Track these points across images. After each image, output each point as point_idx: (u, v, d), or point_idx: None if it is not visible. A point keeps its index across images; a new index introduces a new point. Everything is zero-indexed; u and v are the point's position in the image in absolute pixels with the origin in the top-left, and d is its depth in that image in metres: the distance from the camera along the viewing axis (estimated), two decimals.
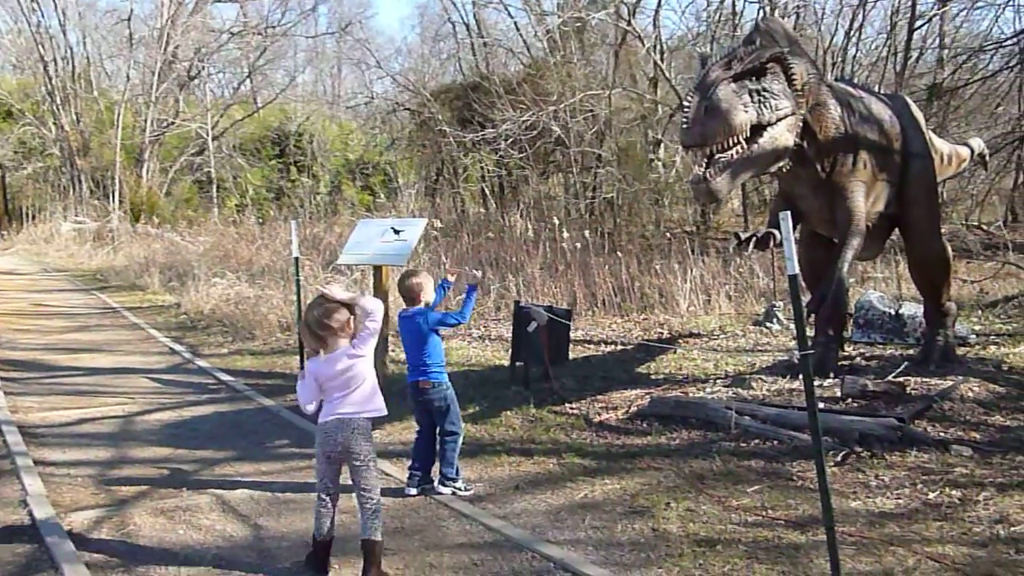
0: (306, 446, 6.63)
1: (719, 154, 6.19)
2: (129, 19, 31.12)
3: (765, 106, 6.27)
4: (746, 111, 6.16)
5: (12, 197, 30.61)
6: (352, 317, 4.25)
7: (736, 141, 6.17)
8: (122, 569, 4.45)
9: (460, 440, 5.50)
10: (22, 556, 4.63)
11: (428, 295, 5.57)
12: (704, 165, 6.24)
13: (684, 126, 6.17)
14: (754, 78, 6.29)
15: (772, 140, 6.35)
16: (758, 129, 6.27)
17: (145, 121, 29.93)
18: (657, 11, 19.66)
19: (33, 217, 28.33)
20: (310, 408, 4.37)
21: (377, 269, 8.28)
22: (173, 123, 31.16)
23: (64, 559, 4.46)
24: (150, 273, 17.25)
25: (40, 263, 21.76)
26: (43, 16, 30.30)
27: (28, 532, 4.93)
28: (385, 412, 4.49)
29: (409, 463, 5.61)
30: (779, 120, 6.37)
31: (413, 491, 5.45)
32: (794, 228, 6.53)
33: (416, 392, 5.52)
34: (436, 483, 5.48)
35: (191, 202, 31.38)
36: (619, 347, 9.87)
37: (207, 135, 31.02)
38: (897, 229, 8.01)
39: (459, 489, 5.41)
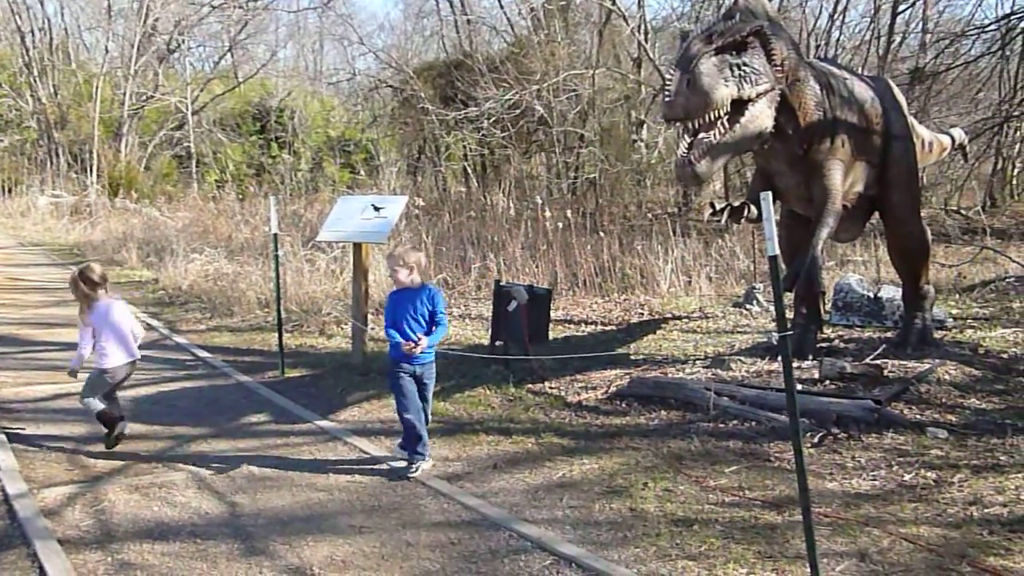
0: (283, 423, 6.60)
1: (701, 131, 6.15)
2: None
3: (746, 80, 6.23)
4: (727, 85, 6.12)
5: None
6: None
7: (717, 116, 6.13)
8: (96, 545, 4.42)
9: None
10: None
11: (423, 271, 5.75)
12: (688, 144, 6.21)
13: (666, 99, 6.13)
14: (735, 52, 6.24)
15: (753, 117, 6.32)
16: (739, 104, 6.24)
17: (124, 94, 29.55)
18: None
19: (9, 191, 27.92)
20: None
21: (357, 246, 8.22)
22: (152, 97, 30.78)
23: (36, 535, 4.43)
24: (128, 248, 17.08)
25: (16, 237, 21.50)
26: None
27: (0, 508, 4.89)
28: None
29: (405, 441, 5.59)
30: (759, 95, 6.34)
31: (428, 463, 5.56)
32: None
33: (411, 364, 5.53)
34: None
35: (170, 177, 31.03)
36: (599, 327, 9.87)
37: (187, 109, 30.66)
38: (877, 212, 8.03)
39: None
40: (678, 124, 6.32)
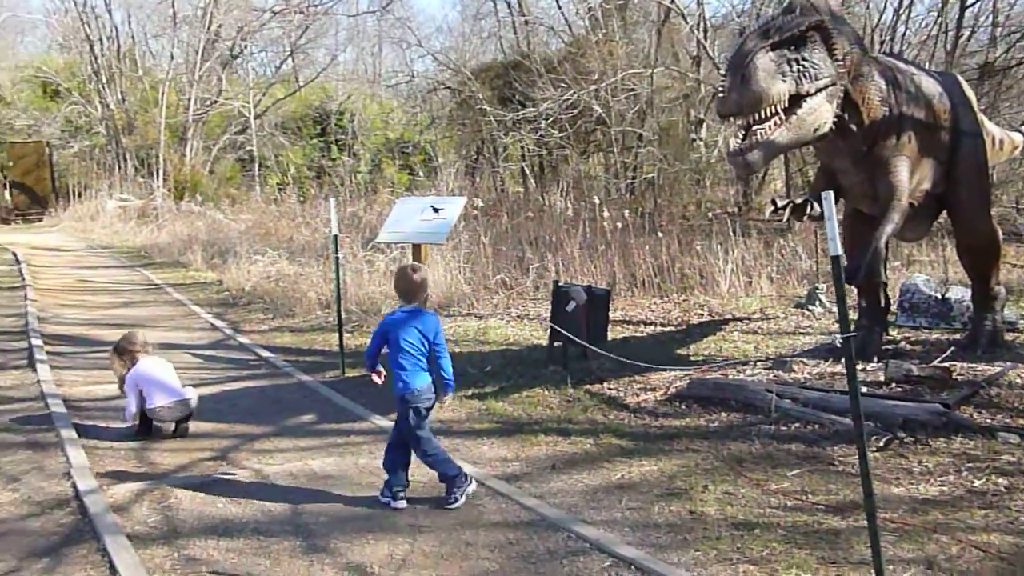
0: (343, 422, 6.68)
1: (756, 125, 6.07)
2: None
3: (804, 76, 6.13)
4: (784, 80, 6.03)
5: (59, 175, 31.03)
6: None
7: (774, 111, 6.05)
8: (162, 541, 4.52)
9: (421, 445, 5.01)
10: (66, 527, 4.72)
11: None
12: (742, 136, 6.14)
13: (720, 95, 6.07)
14: (793, 47, 6.14)
15: (811, 111, 6.22)
16: (796, 99, 6.14)
17: (188, 100, 30.17)
18: None
19: (79, 195, 28.69)
20: None
21: (416, 247, 8.28)
22: (216, 102, 31.38)
23: (106, 530, 4.54)
24: (193, 250, 17.43)
25: (86, 240, 22.10)
26: None
27: (71, 503, 5.03)
28: None
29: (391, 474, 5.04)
30: (818, 91, 6.23)
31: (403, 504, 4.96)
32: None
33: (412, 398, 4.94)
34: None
35: (233, 180, 31.61)
36: (658, 328, 9.80)
37: (249, 114, 31.19)
38: (945, 210, 7.83)
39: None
40: (733, 119, 6.26)
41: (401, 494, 4.97)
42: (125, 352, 6.50)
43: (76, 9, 30.48)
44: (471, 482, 5.05)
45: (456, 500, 4.93)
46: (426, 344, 4.93)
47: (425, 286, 5.09)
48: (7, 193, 29.91)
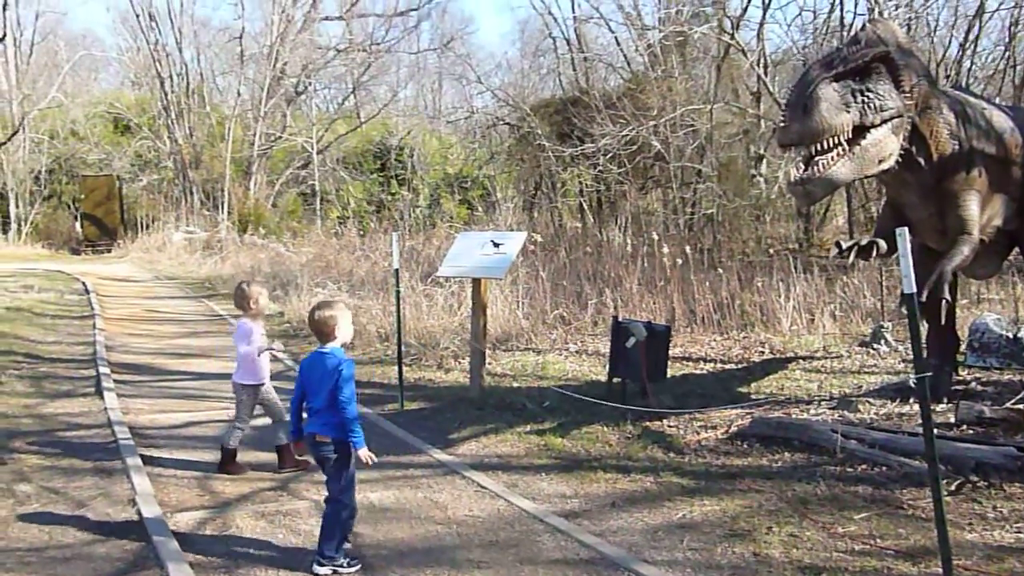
0: (402, 455, 6.68)
1: (818, 155, 5.99)
2: (241, 37, 32.23)
3: (869, 107, 6.04)
4: (848, 111, 5.95)
5: (128, 207, 31.96)
6: None
7: (837, 142, 5.96)
8: (224, 570, 4.55)
9: (347, 515, 4.61)
10: (130, 553, 4.78)
11: (344, 333, 4.72)
12: (803, 167, 6.07)
13: (782, 125, 6.01)
14: (857, 78, 6.07)
15: (875, 142, 6.12)
16: (860, 130, 6.05)
17: (254, 135, 30.91)
18: (761, 24, 19.27)
19: (147, 227, 29.50)
20: None
21: (476, 281, 8.31)
22: (280, 137, 32.12)
23: (169, 558, 4.58)
24: (256, 282, 17.72)
25: (153, 271, 22.64)
26: (160, 35, 31.68)
27: (136, 530, 5.09)
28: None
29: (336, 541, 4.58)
30: (883, 122, 6.13)
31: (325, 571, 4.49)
32: None
33: (312, 444, 4.66)
34: (311, 561, 4.54)
35: (295, 214, 32.23)
36: (718, 365, 9.67)
37: (312, 149, 31.84)
38: (1017, 247, 7.63)
39: (340, 568, 4.49)
40: (795, 149, 6.19)
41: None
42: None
43: (148, 47, 31.54)
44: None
45: (321, 567, 4.48)
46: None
47: (336, 322, 4.67)
48: (79, 224, 30.84)
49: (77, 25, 61.38)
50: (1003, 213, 7.13)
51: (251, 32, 33.39)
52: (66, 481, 6.02)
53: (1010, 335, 8.70)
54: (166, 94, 31.36)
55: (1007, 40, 16.88)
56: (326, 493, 4.64)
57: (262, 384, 6.42)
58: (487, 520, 5.21)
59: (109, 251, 28.89)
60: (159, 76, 31.24)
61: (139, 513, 5.31)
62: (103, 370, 9.59)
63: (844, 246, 6.99)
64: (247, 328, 6.37)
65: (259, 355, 6.30)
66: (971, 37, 16.95)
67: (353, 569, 4.50)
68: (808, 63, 6.24)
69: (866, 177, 6.95)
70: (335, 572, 4.48)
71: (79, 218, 30.92)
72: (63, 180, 32.89)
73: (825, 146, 5.97)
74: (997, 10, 16.96)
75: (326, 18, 35.10)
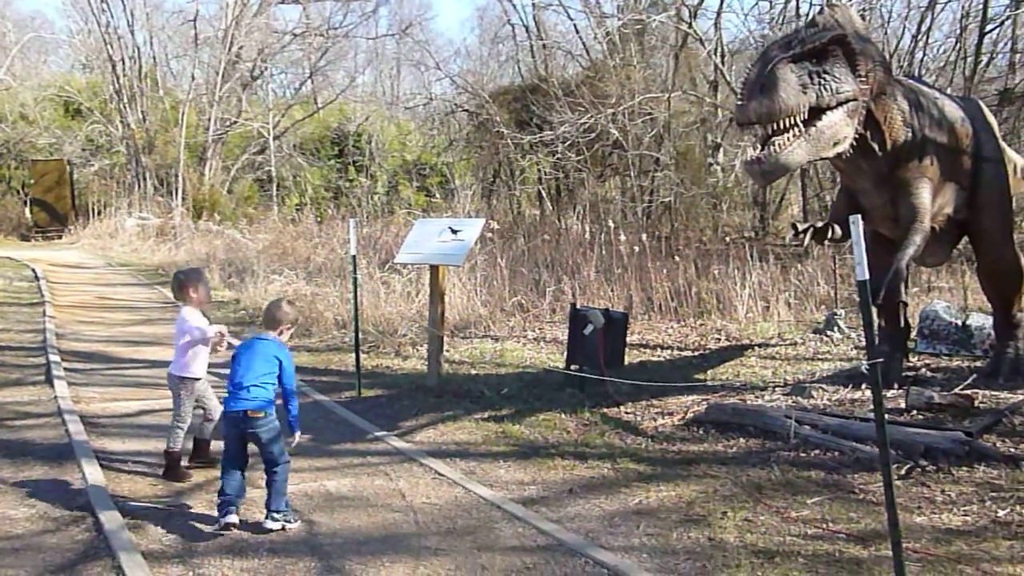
0: (359, 442, 6.65)
1: (774, 135, 6.04)
2: (195, 20, 31.63)
3: (825, 88, 6.09)
4: (804, 92, 6.00)
5: (79, 193, 31.28)
6: None
7: (793, 122, 6.01)
8: (177, 560, 4.50)
9: (289, 468, 5.05)
10: (81, 544, 4.71)
11: (286, 333, 5.47)
12: (760, 147, 6.11)
13: (739, 104, 6.04)
14: (815, 60, 6.11)
15: (830, 124, 6.17)
16: (816, 112, 6.11)
17: (208, 120, 30.43)
18: (719, 14, 19.45)
19: (99, 213, 28.91)
20: None
21: (434, 268, 8.28)
22: (236, 122, 31.63)
23: (121, 547, 4.52)
24: (210, 269, 17.47)
25: (105, 258, 22.24)
26: (112, 17, 30.97)
27: (87, 520, 5.01)
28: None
29: (220, 492, 4.93)
30: (839, 104, 6.19)
31: (235, 519, 4.85)
32: None
33: (241, 421, 4.96)
34: (265, 518, 4.89)
35: (251, 200, 31.81)
36: (675, 352, 9.75)
37: (268, 134, 31.43)
38: (966, 236, 7.77)
39: (289, 522, 4.90)
40: (751, 128, 6.24)
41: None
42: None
43: (99, 30, 30.83)
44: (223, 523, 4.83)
45: (274, 522, 4.87)
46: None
47: (291, 320, 5.61)
48: (28, 210, 30.18)
49: (26, 6, 60.13)
50: (953, 202, 7.26)
51: (205, 15, 32.78)
52: (15, 471, 5.90)
53: (959, 323, 8.87)
54: (118, 77, 30.71)
55: (958, 32, 17.16)
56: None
57: (199, 379, 6.01)
58: (445, 507, 5.21)
59: (60, 237, 28.30)
60: (111, 59, 30.58)
61: (90, 503, 5.22)
62: (53, 358, 9.40)
63: (800, 228, 7.08)
64: (193, 317, 6.06)
65: (210, 343, 6.06)
66: (923, 28, 17.23)
67: (296, 523, 4.94)
68: (767, 44, 6.25)
69: (821, 160, 7.03)
70: (284, 527, 4.88)
71: (29, 204, 30.22)
72: (12, 165, 32.08)
73: (781, 126, 6.01)
74: (949, 2, 17.27)
75: (282, 1, 34.58)
